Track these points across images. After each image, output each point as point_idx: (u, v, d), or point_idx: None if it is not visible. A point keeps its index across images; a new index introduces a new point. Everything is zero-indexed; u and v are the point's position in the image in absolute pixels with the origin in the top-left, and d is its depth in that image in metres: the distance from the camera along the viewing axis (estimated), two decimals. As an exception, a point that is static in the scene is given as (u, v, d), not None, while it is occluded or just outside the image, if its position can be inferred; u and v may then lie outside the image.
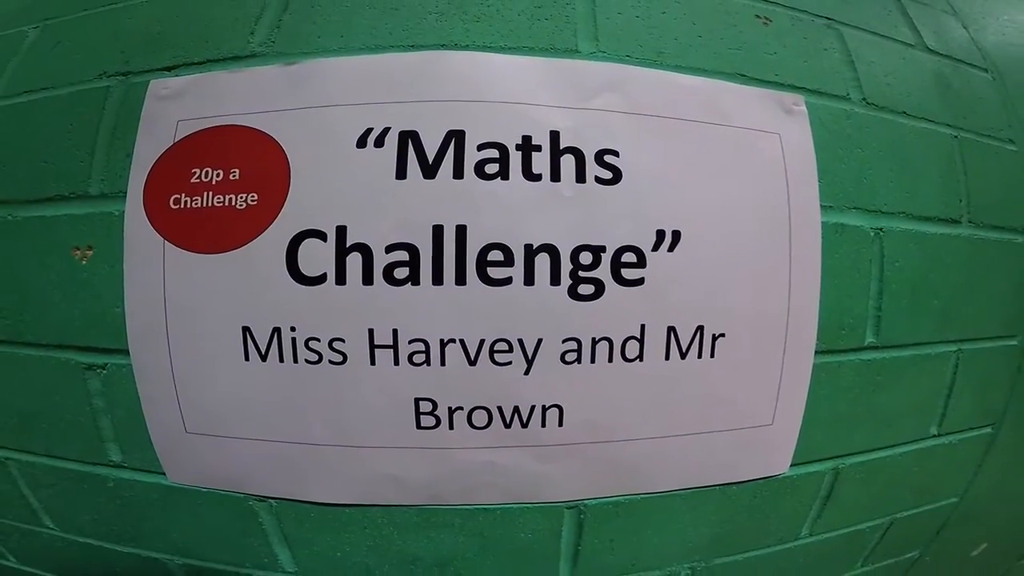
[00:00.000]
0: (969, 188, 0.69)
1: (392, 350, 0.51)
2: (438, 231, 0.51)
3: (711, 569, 0.70)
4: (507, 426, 0.53)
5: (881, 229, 0.61)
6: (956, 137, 0.69)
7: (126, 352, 0.56)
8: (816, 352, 0.59)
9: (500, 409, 0.53)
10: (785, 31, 0.64)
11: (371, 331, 0.51)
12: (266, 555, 0.63)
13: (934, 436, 0.73)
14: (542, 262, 0.51)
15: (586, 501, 0.60)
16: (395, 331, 0.51)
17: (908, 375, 0.67)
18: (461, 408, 0.52)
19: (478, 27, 0.57)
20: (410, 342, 0.51)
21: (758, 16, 0.63)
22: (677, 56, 0.59)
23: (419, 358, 0.51)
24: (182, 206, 0.54)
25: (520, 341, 0.51)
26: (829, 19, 0.67)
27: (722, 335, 0.54)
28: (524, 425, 0.53)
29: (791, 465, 0.64)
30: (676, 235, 0.53)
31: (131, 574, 0.70)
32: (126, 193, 0.55)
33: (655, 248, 0.53)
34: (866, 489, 0.73)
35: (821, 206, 0.58)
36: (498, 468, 0.55)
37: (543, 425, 0.54)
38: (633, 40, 0.58)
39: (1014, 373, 0.78)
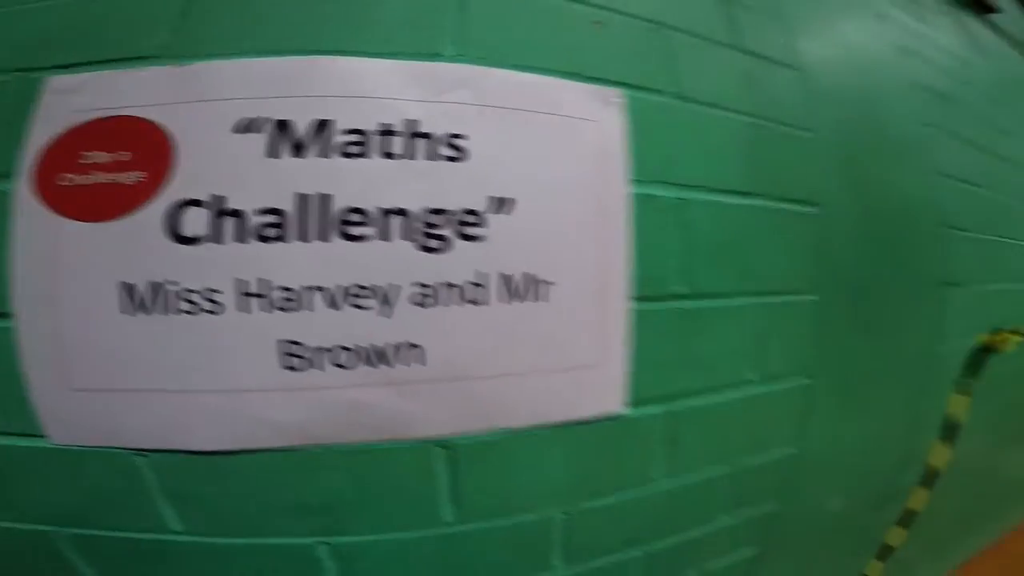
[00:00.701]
0: (766, 167, 0.87)
1: (263, 298, 0.61)
2: (306, 198, 0.62)
3: (583, 514, 0.81)
4: (372, 365, 0.63)
5: (683, 199, 0.77)
6: (757, 125, 0.88)
7: (8, 316, 0.62)
8: (634, 299, 0.73)
9: (364, 349, 0.63)
10: (616, 34, 0.79)
11: (244, 282, 0.60)
12: (152, 514, 0.68)
13: (753, 382, 0.88)
14: (396, 223, 0.63)
15: (454, 439, 0.70)
16: (265, 281, 0.61)
17: (720, 323, 0.82)
18: (328, 349, 0.62)
19: (357, 36, 0.69)
20: (279, 290, 0.61)
21: (594, 21, 0.78)
22: (523, 58, 0.73)
23: (288, 305, 0.61)
24: (72, 183, 0.62)
25: (378, 287, 0.62)
26: (658, 23, 0.83)
27: (551, 283, 0.67)
28: (388, 364, 0.64)
29: (630, 407, 0.77)
30: (511, 202, 0.66)
31: (16, 556, 0.72)
32: (17, 173, 0.62)
33: (493, 211, 0.66)
34: (705, 435, 0.87)
35: (633, 180, 0.73)
36: (366, 406, 0.65)
37: (406, 364, 0.64)
38: (489, 45, 0.72)
39: (819, 327, 0.95)
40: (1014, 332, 1.41)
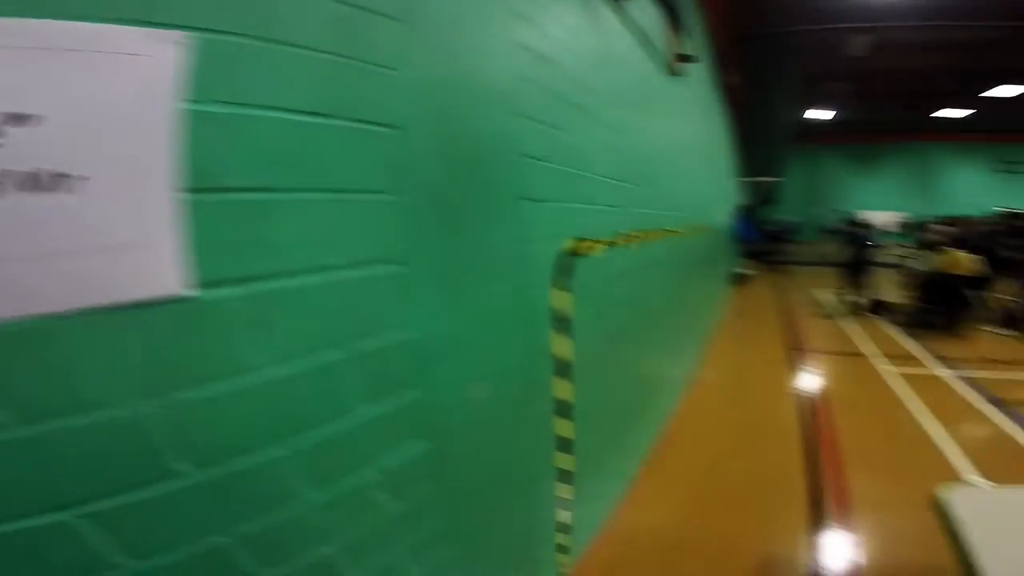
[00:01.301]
0: (352, 95, 1.05)
1: None
2: None
3: (187, 408, 0.82)
4: None
5: (248, 115, 0.89)
6: (343, 63, 1.04)
7: None
8: (188, 191, 0.82)
9: None
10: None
11: None
12: None
13: (338, 267, 1.03)
14: None
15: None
16: None
17: (292, 214, 0.95)
18: None
19: None
20: None
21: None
22: (78, 10, 0.75)
23: None
24: None
25: None
26: None
27: (85, 177, 0.75)
28: None
29: (198, 289, 0.82)
30: (37, 117, 0.72)
31: None
32: None
33: (15, 125, 0.71)
34: (302, 319, 0.96)
35: (192, 100, 0.83)
36: None
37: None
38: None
39: (406, 224, 1.16)
40: (596, 242, 1.87)
